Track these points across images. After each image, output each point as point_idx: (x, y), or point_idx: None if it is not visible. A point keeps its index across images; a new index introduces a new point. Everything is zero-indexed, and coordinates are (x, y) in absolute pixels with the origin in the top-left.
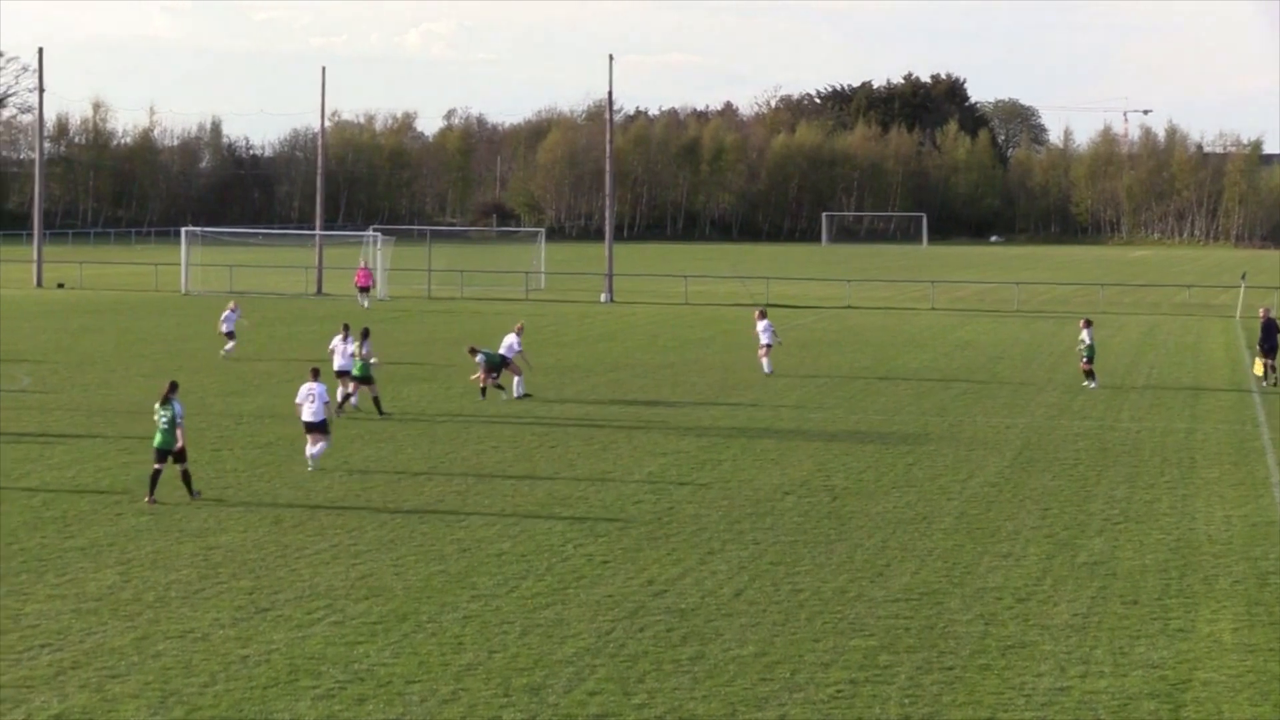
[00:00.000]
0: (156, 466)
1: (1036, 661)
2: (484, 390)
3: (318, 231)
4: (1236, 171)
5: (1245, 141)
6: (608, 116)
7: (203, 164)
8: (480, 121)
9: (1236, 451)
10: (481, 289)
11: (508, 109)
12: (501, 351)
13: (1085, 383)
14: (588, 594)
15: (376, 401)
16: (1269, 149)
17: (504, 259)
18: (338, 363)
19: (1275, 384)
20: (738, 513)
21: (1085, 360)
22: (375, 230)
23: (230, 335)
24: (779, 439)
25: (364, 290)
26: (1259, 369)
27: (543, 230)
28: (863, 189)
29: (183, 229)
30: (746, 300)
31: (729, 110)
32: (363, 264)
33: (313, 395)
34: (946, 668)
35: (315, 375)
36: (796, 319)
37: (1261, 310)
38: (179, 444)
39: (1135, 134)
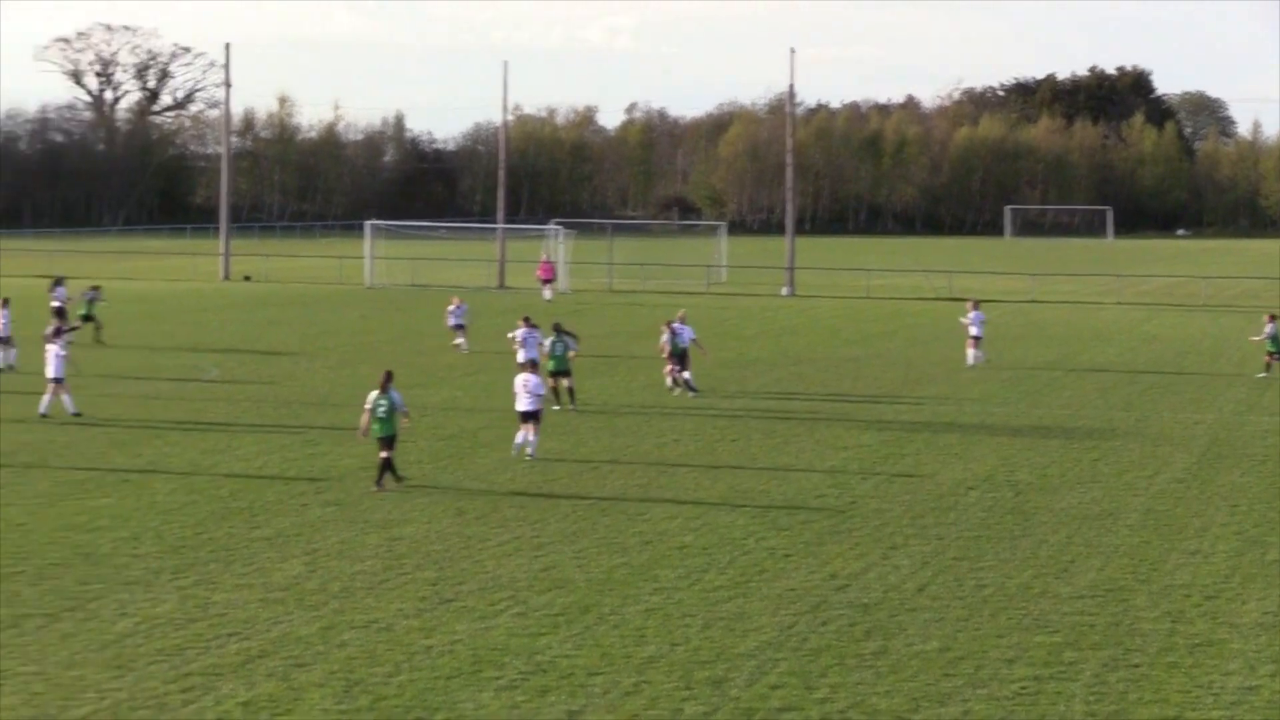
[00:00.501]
0: (383, 455)
1: (1225, 660)
2: (674, 384)
3: (500, 225)
4: None
5: None
6: (789, 110)
7: (386, 158)
8: (662, 115)
9: None
10: (662, 282)
11: (689, 102)
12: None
13: (1260, 374)
14: (770, 587)
15: (570, 393)
16: None
17: (685, 252)
18: (522, 355)
19: None
20: (921, 507)
21: (1270, 353)
22: (557, 224)
23: (459, 329)
24: (962, 433)
25: (546, 283)
26: None
27: (724, 223)
28: (1047, 182)
29: (366, 222)
30: (929, 294)
31: (911, 103)
32: (545, 257)
33: (528, 385)
34: (1133, 665)
35: (532, 368)
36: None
37: None
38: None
39: None
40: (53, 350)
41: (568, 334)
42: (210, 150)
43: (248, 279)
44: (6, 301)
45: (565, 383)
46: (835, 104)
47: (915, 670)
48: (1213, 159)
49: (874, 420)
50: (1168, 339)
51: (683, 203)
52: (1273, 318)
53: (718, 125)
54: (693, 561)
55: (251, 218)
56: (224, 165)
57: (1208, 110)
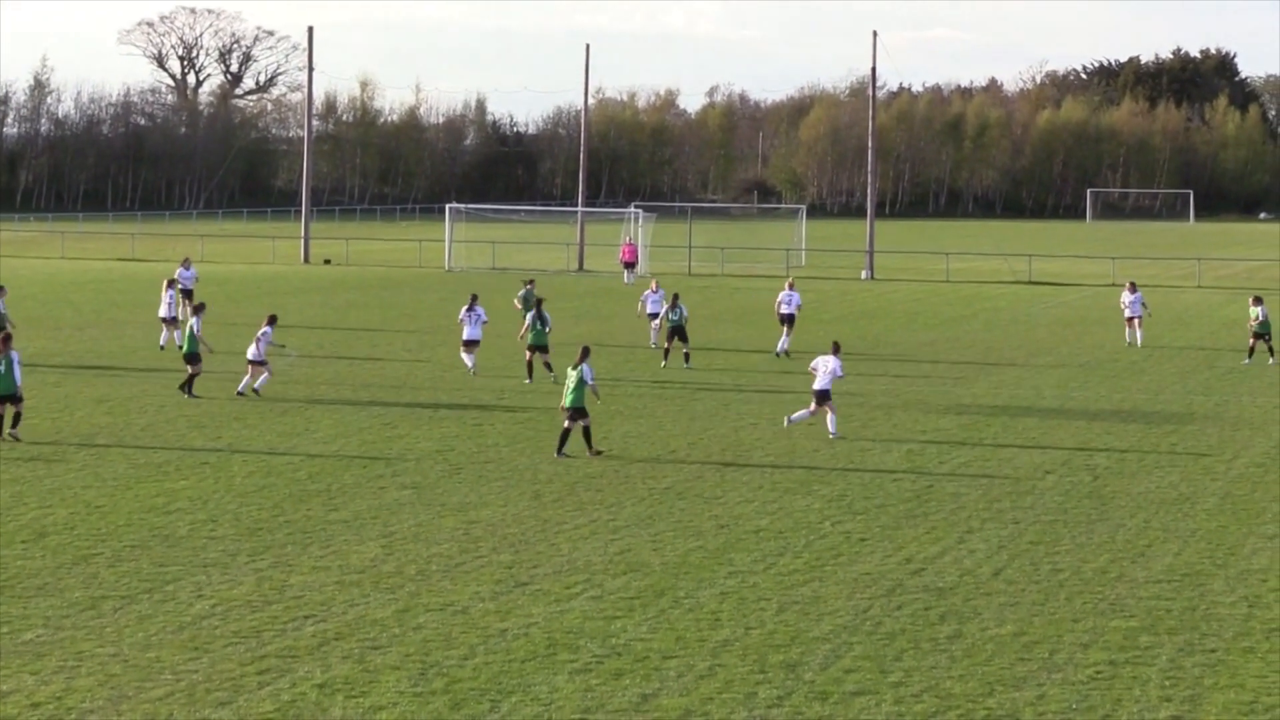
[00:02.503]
0: (566, 425)
1: None
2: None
3: (580, 208)
4: None
5: None
6: (871, 93)
7: (467, 141)
8: (742, 98)
9: None
10: (742, 265)
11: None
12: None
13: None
14: (845, 571)
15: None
16: None
17: (764, 236)
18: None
19: None
20: (997, 491)
21: (1256, 335)
22: (637, 207)
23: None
24: (1040, 418)
25: (629, 266)
26: None
27: (803, 207)
28: (1128, 165)
29: (447, 205)
30: (1009, 277)
31: (993, 86)
32: (627, 240)
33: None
34: (1209, 650)
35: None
36: (1060, 296)
37: None
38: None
39: None
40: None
41: (543, 314)
42: (292, 134)
43: (328, 262)
44: (171, 283)
45: (543, 358)
46: (917, 87)
47: (990, 654)
48: None
49: (951, 405)
50: (1248, 323)
51: (762, 186)
52: (1258, 299)
53: (798, 108)
54: (768, 545)
55: (332, 201)
56: (306, 148)
57: None
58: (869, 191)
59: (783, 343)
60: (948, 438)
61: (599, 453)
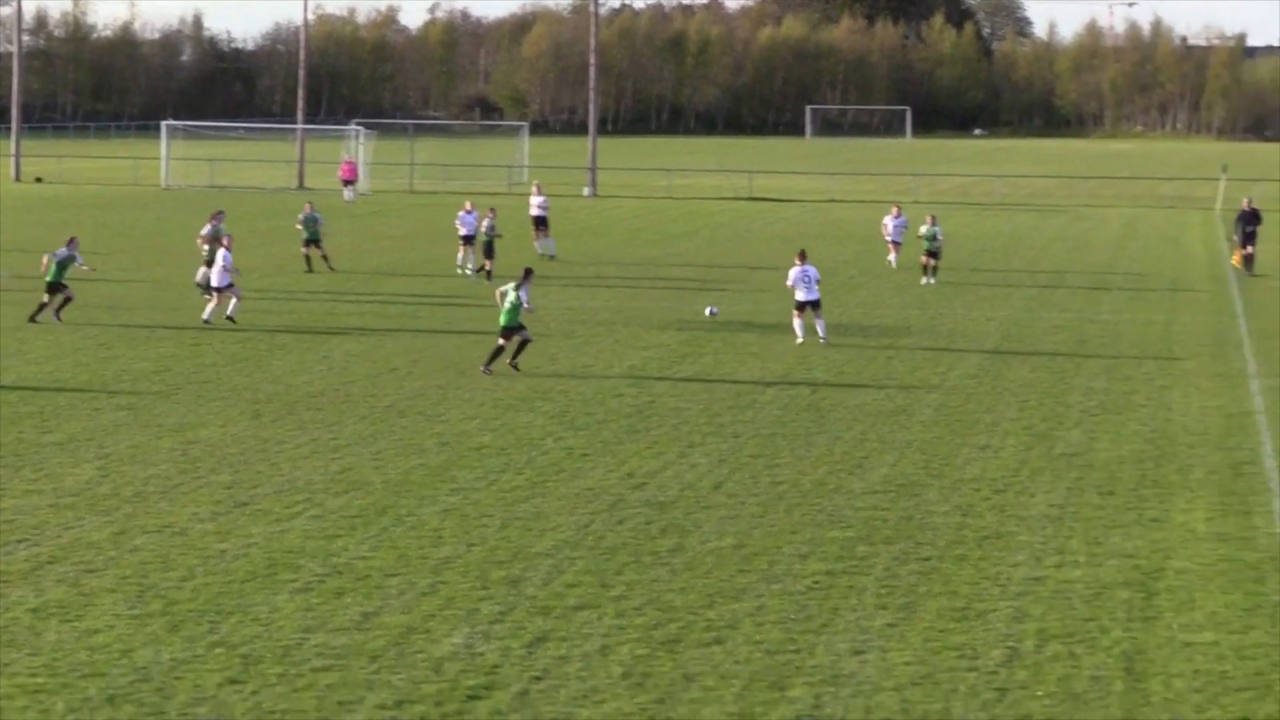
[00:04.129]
0: (501, 342)
1: (1012, 551)
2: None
3: (299, 125)
4: (1220, 65)
5: (1229, 35)
6: (593, 10)
7: (183, 57)
8: (464, 15)
9: (1214, 343)
10: (464, 183)
11: (492, 2)
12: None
13: (924, 279)
14: (567, 487)
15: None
16: (1252, 42)
17: (487, 153)
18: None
19: (1253, 274)
20: (718, 406)
21: (927, 254)
22: (357, 124)
23: (468, 241)
24: (760, 333)
25: (348, 184)
26: (1237, 260)
27: (526, 124)
28: (847, 82)
29: (163, 123)
30: (731, 194)
31: (714, 3)
32: (346, 158)
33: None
34: (923, 558)
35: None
36: (780, 213)
37: (1245, 200)
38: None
39: (1120, 27)
40: None
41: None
42: (1, 49)
43: (40, 180)
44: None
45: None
46: (639, 4)
47: (710, 567)
48: (1009, 60)
49: (673, 321)
50: (962, 238)
51: (485, 103)
52: (934, 218)
53: (521, 25)
54: (490, 462)
55: (44, 118)
56: (16, 64)
57: (1005, 11)
58: (591, 108)
59: (545, 245)
60: (669, 353)
61: (516, 368)
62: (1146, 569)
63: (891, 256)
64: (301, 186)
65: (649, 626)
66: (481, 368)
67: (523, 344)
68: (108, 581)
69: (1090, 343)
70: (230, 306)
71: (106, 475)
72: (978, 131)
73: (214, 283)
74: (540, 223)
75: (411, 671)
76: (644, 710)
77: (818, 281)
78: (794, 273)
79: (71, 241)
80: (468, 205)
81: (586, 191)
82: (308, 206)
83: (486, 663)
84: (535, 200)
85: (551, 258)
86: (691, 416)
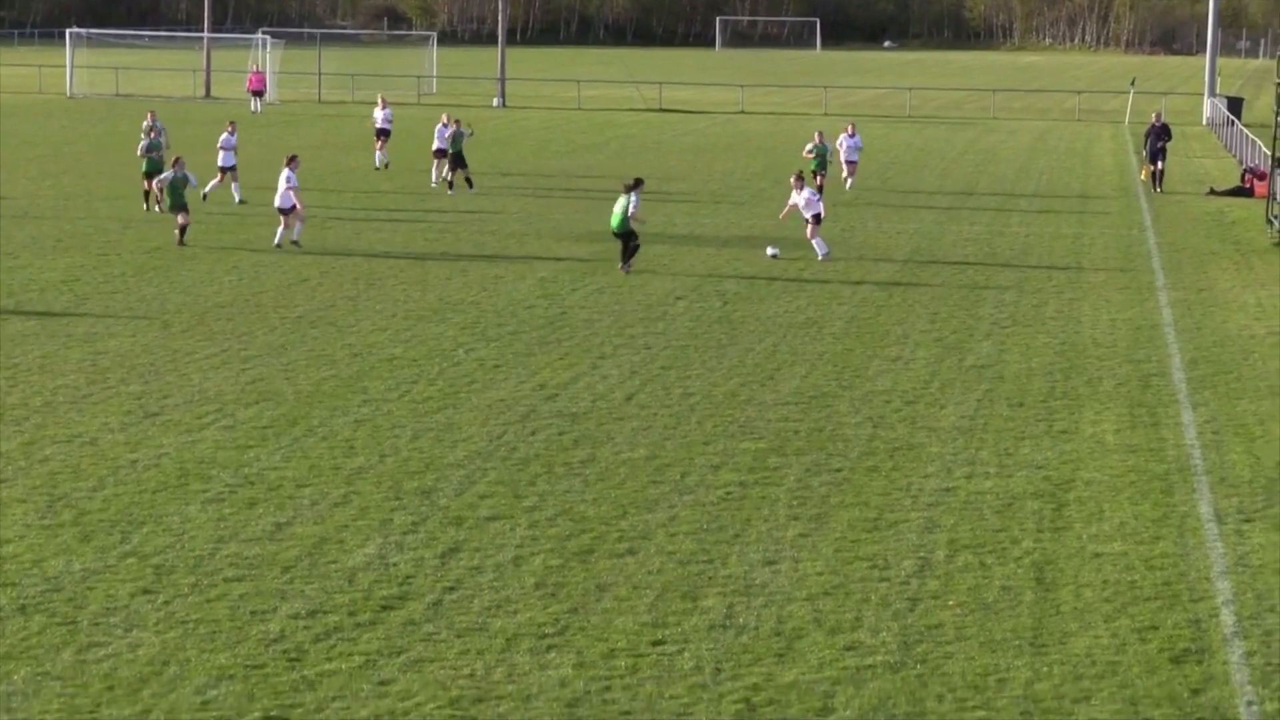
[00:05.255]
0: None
1: (923, 463)
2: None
3: (205, 34)
4: None
5: None
6: None
7: None
8: None
9: (1123, 256)
10: (372, 93)
11: None
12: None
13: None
14: (479, 398)
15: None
16: None
17: (395, 63)
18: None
19: (1162, 191)
20: (629, 317)
21: (815, 171)
22: (264, 33)
23: (440, 154)
24: (671, 244)
25: (256, 94)
26: (1145, 175)
27: (434, 34)
28: None
29: (67, 30)
30: (640, 105)
31: None
32: (254, 68)
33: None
34: (835, 470)
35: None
36: (690, 124)
37: (1153, 115)
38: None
39: None
40: None
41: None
42: None
43: None
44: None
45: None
46: None
47: (623, 477)
48: None
49: (584, 232)
50: (873, 151)
51: (393, 13)
52: (821, 134)
53: None
54: (402, 373)
55: None
56: None
57: None
58: (500, 18)
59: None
60: (580, 265)
61: (629, 271)
62: (1056, 480)
63: (847, 177)
64: (209, 95)
65: (562, 537)
66: (621, 267)
67: (633, 250)
68: (18, 492)
69: (1000, 256)
70: (295, 230)
71: (15, 385)
72: (887, 43)
73: (277, 204)
74: (383, 134)
75: (324, 581)
76: (557, 620)
77: (819, 200)
78: (794, 196)
79: (177, 162)
80: (444, 118)
81: (496, 102)
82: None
83: (400, 573)
84: (380, 113)
85: (380, 168)
86: (603, 328)
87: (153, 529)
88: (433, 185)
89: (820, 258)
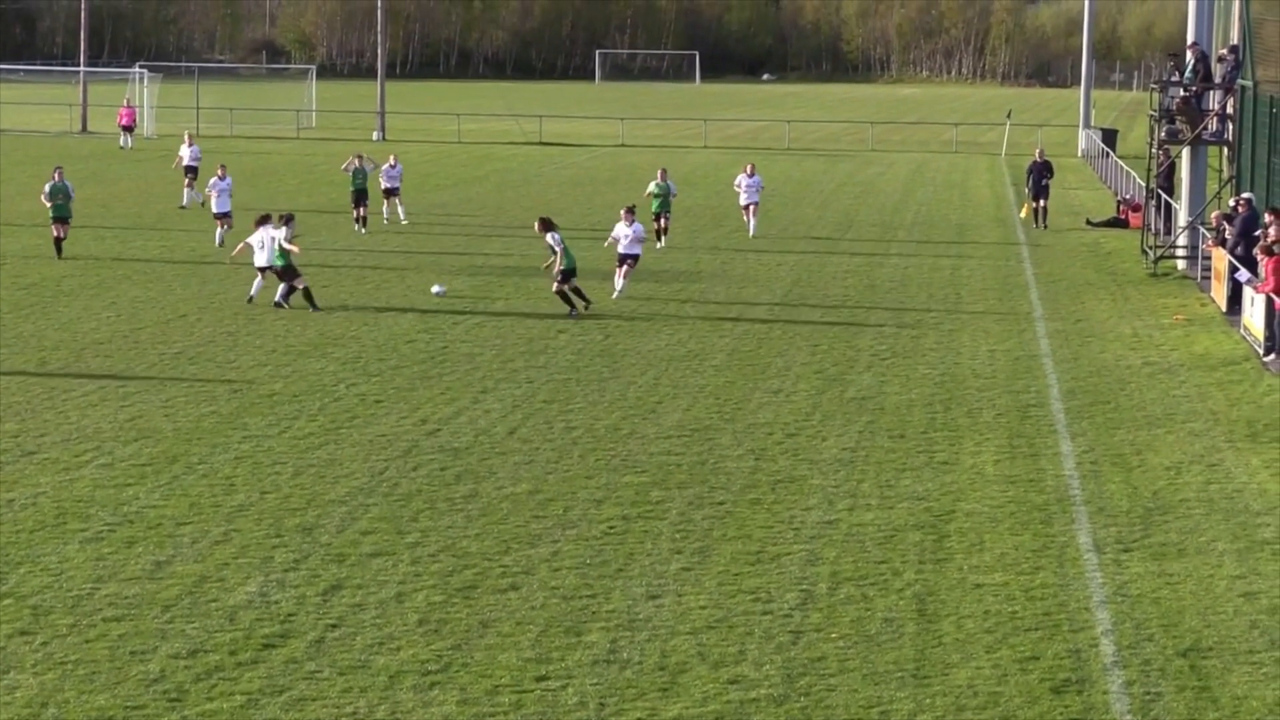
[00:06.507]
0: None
1: (805, 495)
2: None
3: (82, 68)
4: (1003, 10)
5: None
6: None
7: None
8: None
9: (1000, 287)
10: (252, 127)
11: None
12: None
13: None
14: (360, 433)
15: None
16: None
17: (274, 97)
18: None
19: (1045, 227)
20: (511, 351)
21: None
22: (141, 67)
23: (389, 194)
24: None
25: (127, 130)
26: (1026, 212)
27: (313, 68)
28: (636, 26)
29: None
30: (520, 139)
31: None
32: (125, 103)
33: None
34: (717, 503)
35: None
36: (570, 157)
37: (1036, 151)
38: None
39: None
40: None
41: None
42: None
43: None
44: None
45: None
46: None
47: (506, 513)
48: (797, 3)
49: (465, 266)
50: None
51: (271, 46)
52: (664, 172)
53: None
54: (282, 409)
55: None
56: None
57: None
58: (379, 51)
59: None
60: (461, 299)
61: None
62: (937, 511)
63: (749, 220)
64: (85, 130)
65: (445, 573)
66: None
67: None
68: None
69: (879, 288)
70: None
71: None
72: (766, 76)
73: (265, 262)
74: (192, 171)
75: (205, 620)
76: (440, 657)
77: (640, 240)
78: (619, 228)
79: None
80: (392, 159)
81: (375, 136)
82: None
83: (281, 611)
84: (188, 151)
85: (186, 207)
86: (484, 362)
87: (30, 569)
88: (385, 222)
89: (614, 296)
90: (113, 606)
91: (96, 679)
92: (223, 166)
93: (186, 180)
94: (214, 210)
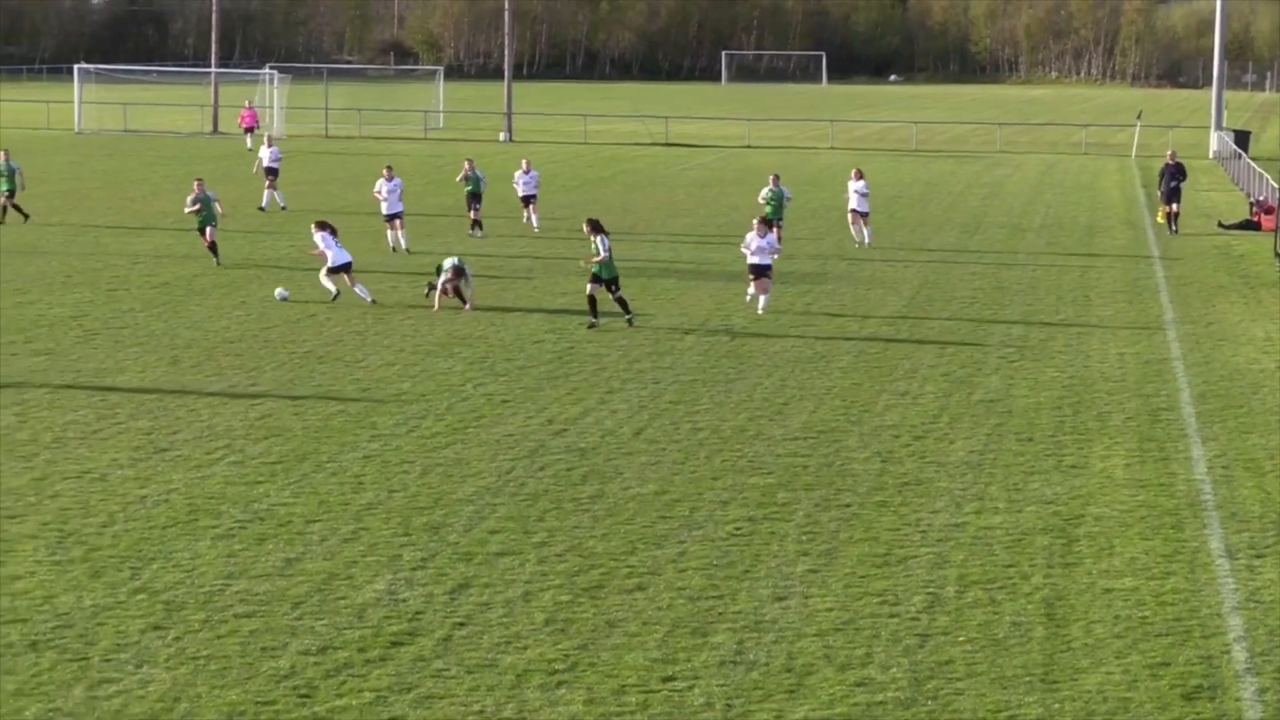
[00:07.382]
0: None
1: (932, 498)
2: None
3: (213, 69)
4: (1134, 11)
5: None
6: None
7: (95, 0)
8: None
9: (1131, 290)
10: (379, 128)
11: None
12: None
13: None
14: (488, 433)
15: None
16: None
17: (402, 98)
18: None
19: (1177, 232)
20: (637, 352)
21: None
22: (272, 68)
23: (527, 201)
24: (678, 278)
25: (249, 131)
26: (1161, 216)
27: (441, 68)
28: (762, 28)
29: (75, 66)
30: (647, 140)
31: None
32: (247, 104)
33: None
34: (844, 505)
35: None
36: (696, 158)
37: (1168, 153)
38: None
39: None
40: None
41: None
42: None
43: None
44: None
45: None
46: None
47: (632, 513)
48: (924, 4)
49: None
50: (879, 184)
51: (399, 47)
52: (776, 178)
53: None
54: (410, 409)
55: None
56: None
57: None
58: (506, 53)
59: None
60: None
61: (629, 317)
62: (1066, 515)
63: (864, 231)
64: (215, 131)
65: (571, 573)
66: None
67: (620, 300)
68: (28, 528)
69: (1007, 290)
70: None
71: (24, 421)
72: (893, 77)
73: (341, 262)
74: (272, 173)
75: (334, 618)
76: (567, 656)
77: (773, 252)
78: (750, 238)
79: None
80: (524, 164)
81: (502, 137)
82: (197, 186)
83: (409, 609)
84: (268, 152)
85: (267, 210)
86: (611, 363)
87: (163, 565)
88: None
89: (759, 310)
90: (244, 603)
91: (228, 674)
92: (389, 167)
93: (267, 182)
94: (384, 213)
